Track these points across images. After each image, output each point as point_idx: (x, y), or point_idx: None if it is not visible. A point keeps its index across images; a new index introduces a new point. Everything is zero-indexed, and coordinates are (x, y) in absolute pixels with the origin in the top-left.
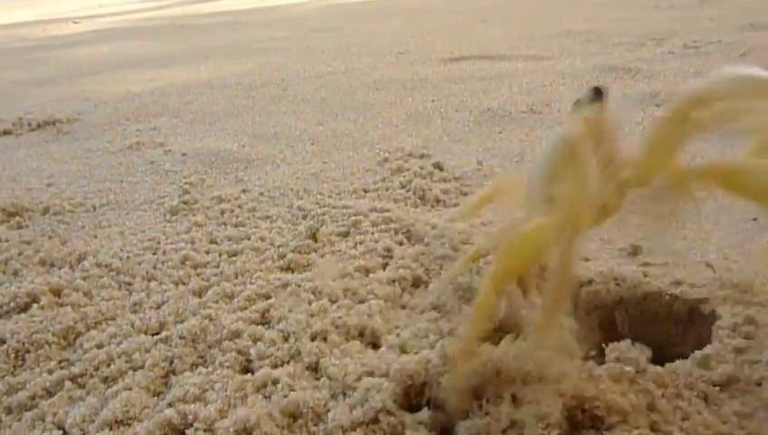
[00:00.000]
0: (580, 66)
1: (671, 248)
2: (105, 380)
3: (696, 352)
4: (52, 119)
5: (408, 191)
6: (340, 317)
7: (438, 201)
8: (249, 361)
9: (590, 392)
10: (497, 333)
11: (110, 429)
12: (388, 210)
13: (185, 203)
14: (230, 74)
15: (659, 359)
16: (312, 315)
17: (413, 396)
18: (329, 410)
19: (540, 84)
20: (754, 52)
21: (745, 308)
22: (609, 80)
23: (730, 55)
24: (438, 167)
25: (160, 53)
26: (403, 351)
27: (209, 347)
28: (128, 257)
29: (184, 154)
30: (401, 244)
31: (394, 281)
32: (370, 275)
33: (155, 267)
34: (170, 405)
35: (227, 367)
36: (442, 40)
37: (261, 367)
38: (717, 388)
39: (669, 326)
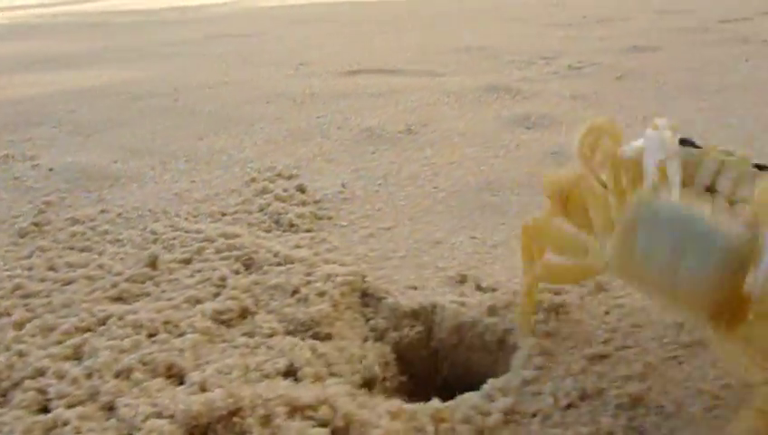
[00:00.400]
0: (467, 85)
1: (495, 278)
2: None
3: (485, 384)
4: None
5: (264, 215)
6: (150, 353)
7: (292, 226)
8: (48, 400)
9: (364, 427)
10: None
11: None
12: (237, 235)
13: (36, 225)
14: (124, 81)
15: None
16: (123, 351)
17: None
18: None
19: (425, 102)
20: (629, 75)
21: (543, 339)
22: (491, 99)
23: (606, 78)
24: (301, 189)
25: (60, 53)
26: (203, 389)
27: (13, 385)
28: None
29: (51, 169)
30: (238, 273)
31: (220, 313)
32: (197, 307)
33: None
34: None
35: (24, 407)
36: (344, 51)
37: (58, 407)
38: (493, 420)
39: (483, 356)
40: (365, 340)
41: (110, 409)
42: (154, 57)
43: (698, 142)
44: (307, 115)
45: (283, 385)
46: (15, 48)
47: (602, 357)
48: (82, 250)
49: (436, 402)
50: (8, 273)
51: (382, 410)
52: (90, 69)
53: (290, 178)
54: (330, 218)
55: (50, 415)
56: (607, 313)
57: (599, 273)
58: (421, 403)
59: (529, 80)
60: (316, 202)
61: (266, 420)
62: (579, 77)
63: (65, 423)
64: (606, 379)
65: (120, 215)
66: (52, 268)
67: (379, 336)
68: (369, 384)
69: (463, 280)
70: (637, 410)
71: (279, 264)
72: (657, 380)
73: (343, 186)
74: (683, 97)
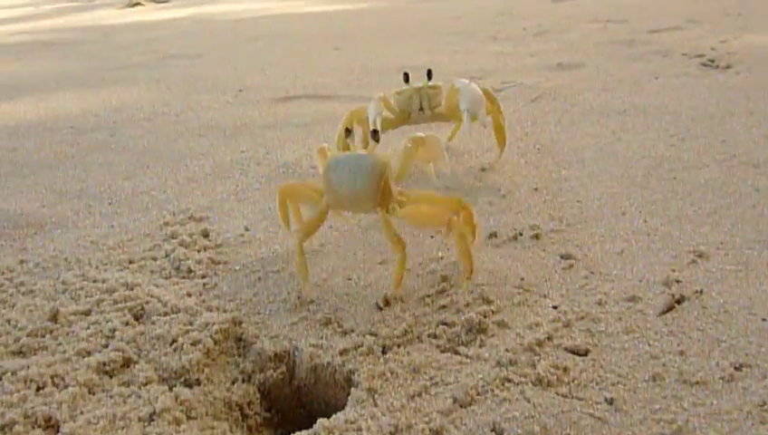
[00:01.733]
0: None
1: (355, 319)
2: None
3: (315, 423)
4: None
5: (167, 261)
6: (33, 407)
7: (189, 271)
8: None
9: None
10: None
11: None
12: (137, 285)
13: None
14: (68, 114)
15: None
16: (11, 405)
17: None
18: None
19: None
20: (545, 96)
21: (375, 379)
22: (405, 129)
23: (522, 100)
24: (205, 234)
25: (10, 80)
26: None
27: None
28: None
29: None
30: (127, 324)
31: (104, 364)
32: (85, 359)
33: None
34: None
35: None
36: (287, 73)
37: None
38: None
39: (337, 392)
40: (233, 382)
41: None
42: (101, 85)
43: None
44: (233, 149)
45: (140, 432)
46: None
47: (420, 394)
48: None
49: None
50: None
51: None
52: (41, 99)
53: (200, 220)
54: (226, 263)
55: None
56: (439, 346)
57: (326, 209)
58: None
59: None
60: (217, 246)
61: None
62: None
63: None
64: (420, 414)
65: (37, 265)
66: None
67: (247, 378)
68: (229, 421)
69: (327, 322)
70: None
71: (166, 313)
72: (462, 414)
73: (246, 228)
74: (584, 121)
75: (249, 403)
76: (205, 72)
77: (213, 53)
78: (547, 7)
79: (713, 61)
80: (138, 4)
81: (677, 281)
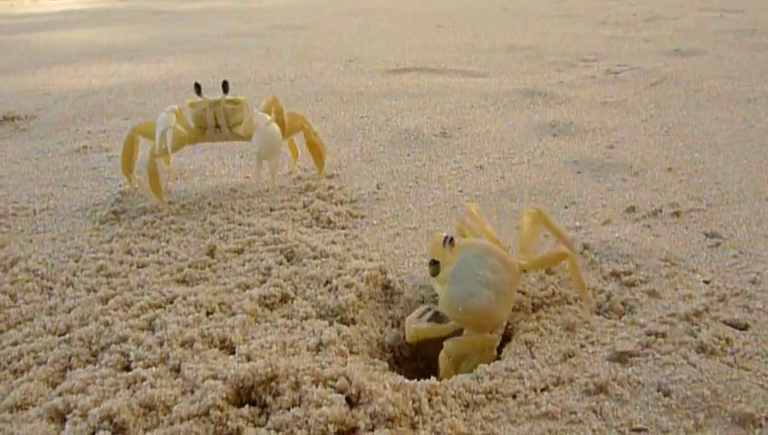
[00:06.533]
0: (505, 88)
1: None
2: (14, 372)
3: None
4: (11, 115)
5: (306, 211)
6: (208, 328)
7: (330, 222)
8: (129, 361)
9: (371, 396)
10: None
11: (10, 411)
12: (282, 230)
13: (114, 213)
14: (187, 74)
15: None
16: (187, 325)
17: (243, 395)
18: (176, 404)
19: (462, 105)
20: (665, 81)
21: (529, 333)
22: (525, 104)
23: (641, 83)
24: (340, 189)
25: (127, 43)
26: (248, 358)
27: (101, 348)
28: (53, 264)
29: None
30: (281, 263)
31: (264, 297)
32: (246, 291)
33: (74, 274)
34: (60, 395)
35: (110, 366)
36: (392, 47)
37: (136, 367)
38: (477, 398)
39: None
40: (384, 325)
41: (177, 370)
42: (217, 50)
43: None
44: (352, 114)
45: (312, 359)
46: (94, 34)
47: (577, 351)
48: (153, 237)
49: (433, 380)
50: (92, 255)
51: (387, 383)
52: (160, 60)
53: (331, 177)
54: (363, 217)
55: (131, 373)
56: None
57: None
58: (421, 380)
59: (565, 84)
60: (353, 201)
61: (296, 386)
62: (615, 82)
63: (142, 380)
64: (579, 369)
65: (183, 206)
66: (128, 252)
67: (396, 323)
68: (386, 361)
69: None
70: (599, 396)
71: (316, 257)
72: (619, 371)
73: (378, 187)
74: (711, 107)
75: (400, 347)
76: (313, 42)
77: (318, 25)
78: None
79: None
80: None
81: None
